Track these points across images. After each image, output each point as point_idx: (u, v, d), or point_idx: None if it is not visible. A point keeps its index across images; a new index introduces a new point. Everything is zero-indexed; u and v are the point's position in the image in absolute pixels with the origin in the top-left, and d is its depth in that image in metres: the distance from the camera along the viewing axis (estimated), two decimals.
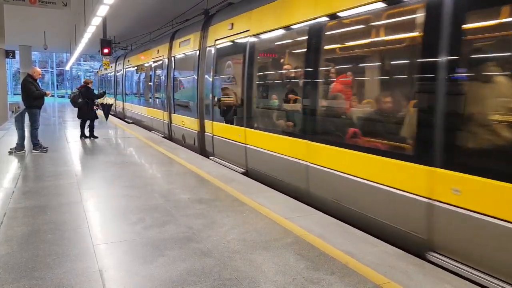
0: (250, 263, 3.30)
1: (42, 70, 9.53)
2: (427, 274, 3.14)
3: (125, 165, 7.37)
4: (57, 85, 57.72)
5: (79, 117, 10.97)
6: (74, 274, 3.05)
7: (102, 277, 3.03)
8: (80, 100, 10.64)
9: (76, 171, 6.79)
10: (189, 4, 12.43)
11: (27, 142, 8.77)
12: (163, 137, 11.78)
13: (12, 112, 18.94)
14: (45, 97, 8.68)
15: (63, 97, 55.07)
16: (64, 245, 3.61)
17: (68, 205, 4.85)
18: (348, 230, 4.12)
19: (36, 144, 8.58)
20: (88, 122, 10.93)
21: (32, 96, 8.30)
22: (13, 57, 19.61)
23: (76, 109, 10.91)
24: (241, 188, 5.70)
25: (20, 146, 8.41)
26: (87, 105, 10.70)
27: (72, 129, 13.55)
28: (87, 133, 10.88)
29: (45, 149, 8.58)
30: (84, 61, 60.86)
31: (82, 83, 11.28)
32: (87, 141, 10.50)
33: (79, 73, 64.87)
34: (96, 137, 10.84)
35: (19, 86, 10.63)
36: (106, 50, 14.89)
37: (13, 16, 15.95)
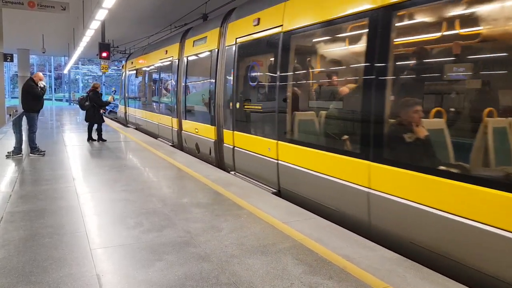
0: (248, 267, 3.30)
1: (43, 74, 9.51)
2: (424, 279, 3.14)
3: (123, 169, 7.36)
4: (55, 89, 57.68)
5: (86, 120, 11.06)
6: (71, 279, 3.04)
7: (99, 281, 3.02)
8: (87, 103, 10.76)
9: (74, 174, 6.77)
10: (188, 8, 12.48)
11: (24, 145, 8.76)
12: None
13: (10, 115, 18.93)
14: (43, 92, 8.64)
15: (60, 100, 55.08)
16: (61, 249, 3.60)
17: (65, 209, 4.84)
18: (346, 234, 4.12)
19: (33, 148, 8.57)
20: (95, 126, 11.01)
21: (36, 95, 8.33)
22: (11, 60, 19.58)
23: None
24: (239, 192, 5.69)
25: (17, 150, 8.40)
26: (93, 108, 10.80)
27: (69, 133, 13.54)
28: (94, 136, 10.96)
29: (42, 153, 8.56)
30: (82, 64, 60.94)
31: (91, 87, 11.36)
32: (87, 144, 10.49)
33: (77, 77, 64.92)
34: (105, 140, 10.95)
35: (17, 90, 10.68)
36: (104, 54, 14.95)
37: (11, 20, 15.96)
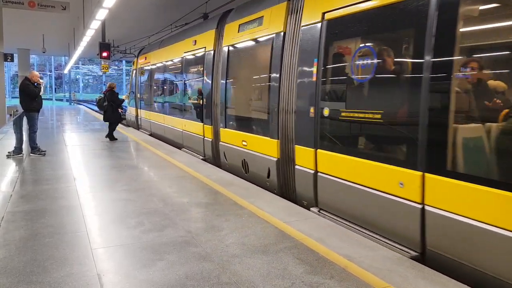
0: (249, 267, 3.30)
1: (40, 74, 9.50)
2: (426, 278, 3.14)
3: (123, 168, 7.36)
4: (55, 89, 57.72)
5: (105, 120, 11.41)
6: (72, 278, 3.04)
7: (100, 281, 3.02)
8: (105, 103, 11.07)
9: (74, 174, 6.77)
10: (188, 8, 12.47)
11: (25, 145, 8.76)
12: None
13: (10, 115, 18.93)
14: (41, 91, 8.62)
15: (61, 100, 55.12)
16: (62, 249, 3.60)
17: (66, 208, 4.84)
18: (347, 234, 4.12)
19: (34, 148, 8.57)
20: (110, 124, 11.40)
21: (30, 94, 8.30)
22: (12, 60, 19.60)
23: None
24: (240, 191, 5.69)
25: (18, 150, 8.40)
26: (112, 108, 11.11)
27: (70, 133, 13.54)
28: (115, 135, 11.34)
29: (43, 153, 8.57)
30: (83, 64, 61.03)
31: (107, 87, 11.63)
32: (88, 144, 10.51)
33: (77, 77, 65.00)
34: (116, 139, 11.21)
35: (17, 89, 10.66)
36: (105, 54, 14.96)
37: (12, 20, 15.97)
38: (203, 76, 8.95)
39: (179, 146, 10.56)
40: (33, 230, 4.07)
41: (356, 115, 4.49)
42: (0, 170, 7.24)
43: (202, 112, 8.95)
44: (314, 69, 5.09)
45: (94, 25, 12.56)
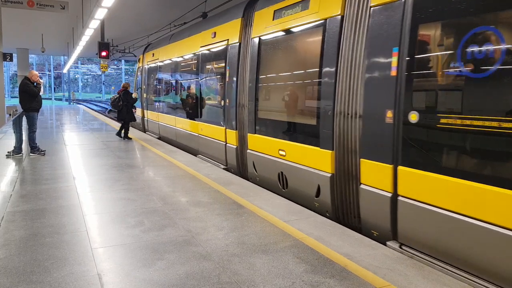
0: (249, 266, 3.30)
1: (39, 73, 9.50)
2: (426, 277, 3.14)
3: (123, 168, 7.35)
4: (54, 88, 57.67)
5: (120, 119, 11.68)
6: (72, 278, 3.04)
7: (101, 281, 3.02)
8: (120, 103, 11.28)
9: (74, 174, 6.76)
10: (187, 7, 12.46)
11: (24, 145, 8.76)
12: None
13: (10, 115, 18.92)
14: (41, 91, 8.64)
15: (60, 100, 55.09)
16: (62, 248, 3.60)
17: (66, 208, 4.84)
18: (347, 232, 4.12)
19: (33, 147, 8.56)
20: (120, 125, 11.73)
21: (31, 93, 8.30)
22: (11, 60, 19.60)
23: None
24: (239, 191, 5.70)
25: (17, 149, 8.40)
26: (126, 108, 11.31)
27: (69, 132, 13.53)
28: (128, 134, 11.50)
29: (42, 152, 8.56)
30: (82, 64, 61.04)
31: (121, 87, 11.78)
32: (87, 144, 10.50)
33: (76, 76, 65.01)
34: (130, 139, 11.39)
35: (17, 89, 10.68)
36: (104, 53, 14.96)
37: (11, 19, 15.96)
38: (225, 73, 7.80)
39: (194, 152, 9.50)
40: (33, 230, 4.07)
41: (468, 122, 3.24)
42: (0, 170, 7.25)
43: (224, 115, 7.85)
44: (394, 61, 3.90)
45: (93, 25, 12.55)
